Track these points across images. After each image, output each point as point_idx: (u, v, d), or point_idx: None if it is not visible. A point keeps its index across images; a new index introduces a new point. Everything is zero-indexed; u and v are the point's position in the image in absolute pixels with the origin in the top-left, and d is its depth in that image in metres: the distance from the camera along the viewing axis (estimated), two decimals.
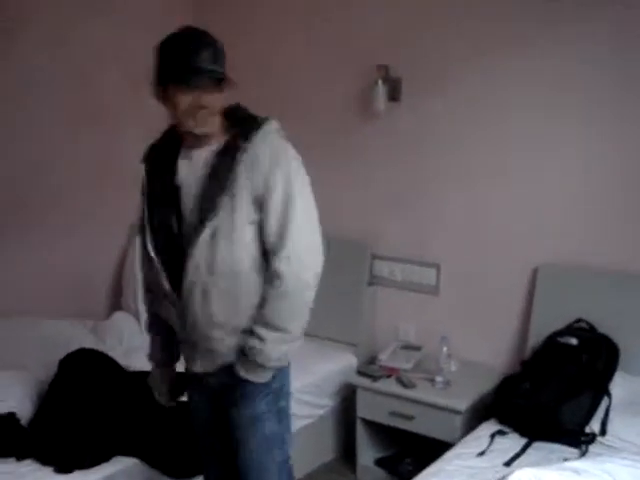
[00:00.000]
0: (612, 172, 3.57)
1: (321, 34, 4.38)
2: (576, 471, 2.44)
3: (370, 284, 4.36)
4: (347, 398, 4.10)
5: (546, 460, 2.94)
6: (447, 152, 4.03)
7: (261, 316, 2.34)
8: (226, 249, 2.31)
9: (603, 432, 3.15)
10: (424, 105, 4.07)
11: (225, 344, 2.42)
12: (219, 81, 2.29)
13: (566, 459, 2.91)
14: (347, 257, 4.28)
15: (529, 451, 3.10)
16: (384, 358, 4.03)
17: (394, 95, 4.16)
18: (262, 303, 2.34)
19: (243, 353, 2.36)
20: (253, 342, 2.33)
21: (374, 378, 3.90)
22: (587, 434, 3.16)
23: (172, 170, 2.42)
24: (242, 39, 4.32)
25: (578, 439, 3.14)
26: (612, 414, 3.20)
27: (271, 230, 2.31)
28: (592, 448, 3.09)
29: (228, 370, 2.42)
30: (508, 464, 2.97)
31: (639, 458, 2.69)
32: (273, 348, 2.33)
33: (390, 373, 3.92)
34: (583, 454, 3.04)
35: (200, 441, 2.72)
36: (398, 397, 3.78)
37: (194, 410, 2.68)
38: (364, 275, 4.33)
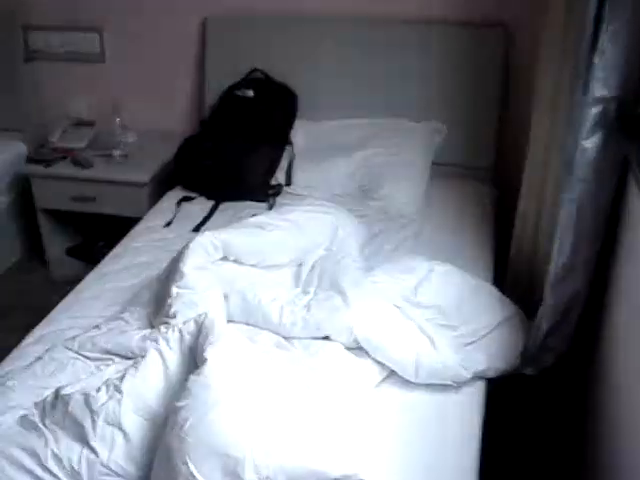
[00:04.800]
0: None
1: None
2: (260, 226, 2.35)
3: (27, 60, 3.84)
4: (23, 191, 3.71)
5: (235, 219, 2.82)
6: None
7: None
8: None
9: (289, 182, 3.10)
10: None
11: None
12: None
13: (254, 215, 2.84)
14: None
15: (217, 213, 2.97)
16: (55, 139, 3.64)
17: None
18: None
19: None
20: None
21: (47, 163, 3.53)
22: (273, 186, 3.10)
23: None
24: None
25: (265, 193, 3.06)
26: (296, 163, 3.15)
27: None
28: (279, 200, 3.04)
29: None
30: (196, 229, 2.83)
31: (319, 202, 2.67)
32: None
33: (64, 155, 3.56)
34: (271, 207, 2.97)
35: None
36: (76, 179, 3.46)
37: None
38: (17, 51, 3.78)
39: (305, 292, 2.19)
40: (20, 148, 3.78)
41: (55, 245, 3.76)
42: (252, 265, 2.27)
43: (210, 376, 1.62)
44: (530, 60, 2.96)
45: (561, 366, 2.38)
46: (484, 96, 3.17)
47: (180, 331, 1.86)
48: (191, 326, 1.86)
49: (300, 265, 2.33)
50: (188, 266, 2.11)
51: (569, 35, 2.23)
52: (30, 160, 3.64)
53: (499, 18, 3.14)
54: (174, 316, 2.01)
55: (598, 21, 1.95)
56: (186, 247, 2.18)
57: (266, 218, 2.42)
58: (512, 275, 2.70)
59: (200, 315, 1.88)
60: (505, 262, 2.79)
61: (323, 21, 3.33)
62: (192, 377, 1.65)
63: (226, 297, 2.11)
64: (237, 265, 2.25)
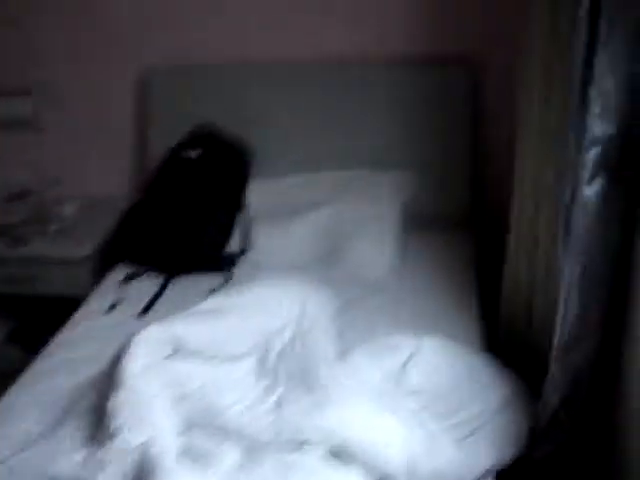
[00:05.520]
0: None
1: None
2: (215, 311, 2.02)
3: None
4: None
5: (189, 297, 2.50)
6: None
7: None
8: None
9: (246, 249, 2.77)
10: None
11: None
12: None
13: (213, 290, 2.51)
14: None
15: (168, 291, 2.62)
16: None
17: None
18: None
19: None
20: None
21: None
22: (229, 255, 2.76)
23: None
24: None
25: (220, 263, 2.73)
26: (252, 227, 2.81)
27: None
28: (237, 270, 2.71)
29: None
30: (144, 312, 2.49)
31: (282, 274, 2.35)
32: None
33: None
34: (228, 279, 2.64)
35: None
36: (11, 259, 3.10)
37: None
38: None
39: (273, 388, 1.85)
40: None
41: None
42: (209, 358, 1.92)
43: None
44: (503, 95, 2.74)
45: (573, 445, 2.07)
46: (454, 139, 2.89)
47: (119, 463, 1.51)
48: (133, 456, 1.51)
49: (265, 352, 1.99)
50: (131, 368, 1.76)
51: (555, 64, 1.94)
52: None
53: (463, 53, 2.88)
54: (116, 433, 1.66)
55: (591, 46, 1.68)
56: (128, 344, 1.84)
57: (221, 300, 2.09)
58: (506, 342, 2.38)
59: (143, 443, 1.53)
60: (495, 323, 2.50)
61: (274, 68, 3.02)
62: None
63: (179, 402, 1.77)
64: (191, 360, 1.90)
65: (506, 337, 2.38)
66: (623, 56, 1.65)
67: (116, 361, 1.83)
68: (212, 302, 2.09)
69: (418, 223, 2.85)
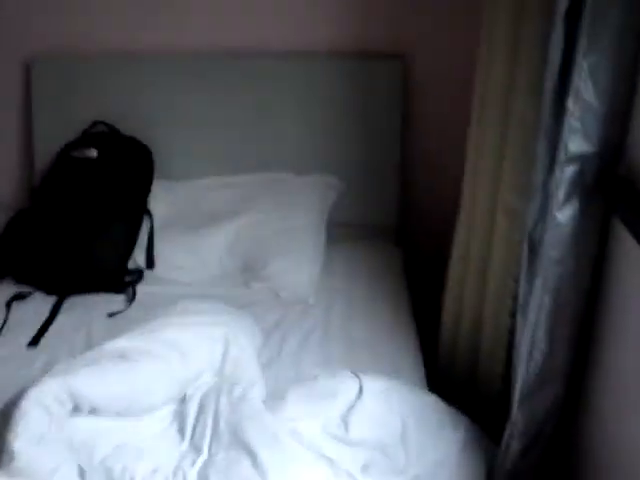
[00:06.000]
0: None
1: None
2: (122, 356, 1.69)
3: None
4: None
5: (85, 322, 2.19)
6: None
7: None
8: None
9: (151, 264, 2.45)
10: None
11: None
12: None
13: (113, 314, 2.23)
14: None
15: (62, 315, 2.25)
16: None
17: None
18: None
19: None
20: None
21: None
22: (131, 271, 2.44)
23: None
24: None
25: (121, 281, 2.40)
26: (157, 237, 2.49)
27: None
28: (141, 288, 2.38)
29: None
30: (34, 342, 2.12)
31: (202, 305, 2.04)
32: None
33: None
34: (131, 300, 2.32)
35: None
36: None
37: None
38: None
39: (197, 450, 1.54)
40: None
41: None
42: (116, 414, 1.60)
43: None
44: (437, 95, 2.54)
45: None
46: (381, 139, 2.63)
47: None
48: None
49: (182, 401, 1.68)
50: (21, 439, 1.41)
51: (518, 69, 1.71)
52: None
53: (395, 48, 2.61)
54: None
55: (569, 52, 1.45)
56: (19, 404, 1.48)
57: (130, 342, 1.74)
58: (447, 374, 2.16)
59: None
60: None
61: (180, 57, 2.68)
62: None
63: (83, 474, 1.44)
64: (95, 419, 1.57)
65: (447, 369, 2.16)
66: (605, 62, 1.42)
67: (5, 422, 1.48)
68: (118, 345, 1.75)
69: (343, 232, 2.60)
